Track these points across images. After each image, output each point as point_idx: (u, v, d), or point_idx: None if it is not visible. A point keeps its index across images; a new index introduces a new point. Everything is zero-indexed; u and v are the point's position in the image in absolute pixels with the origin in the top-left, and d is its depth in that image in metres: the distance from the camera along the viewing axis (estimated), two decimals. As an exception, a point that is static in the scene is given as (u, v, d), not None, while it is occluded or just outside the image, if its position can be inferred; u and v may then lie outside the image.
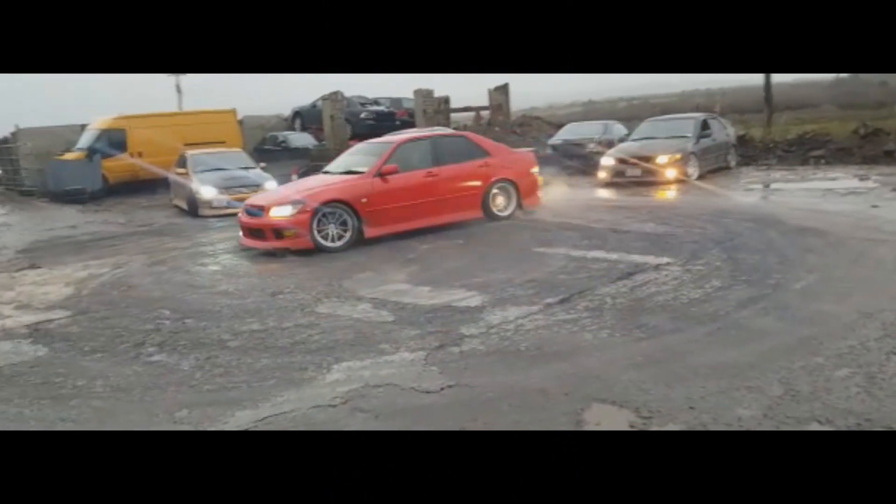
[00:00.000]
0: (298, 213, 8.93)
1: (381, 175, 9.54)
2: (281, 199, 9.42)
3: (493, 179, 10.36)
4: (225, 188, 13.90)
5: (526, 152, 11.68)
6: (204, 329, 5.78)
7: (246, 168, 15.08)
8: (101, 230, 13.47)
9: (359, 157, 10.57)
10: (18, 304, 7.17)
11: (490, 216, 10.28)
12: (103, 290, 7.61)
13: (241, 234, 9.77)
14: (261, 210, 9.36)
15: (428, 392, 4.15)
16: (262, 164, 15.92)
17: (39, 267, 9.36)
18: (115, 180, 19.99)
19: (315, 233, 8.90)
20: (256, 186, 13.72)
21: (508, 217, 10.42)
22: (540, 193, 11.18)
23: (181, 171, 15.49)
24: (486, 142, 11.24)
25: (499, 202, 10.46)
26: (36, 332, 6.02)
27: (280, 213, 9.07)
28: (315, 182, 10.03)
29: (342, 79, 30.04)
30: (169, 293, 7.30)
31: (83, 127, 22.36)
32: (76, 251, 10.79)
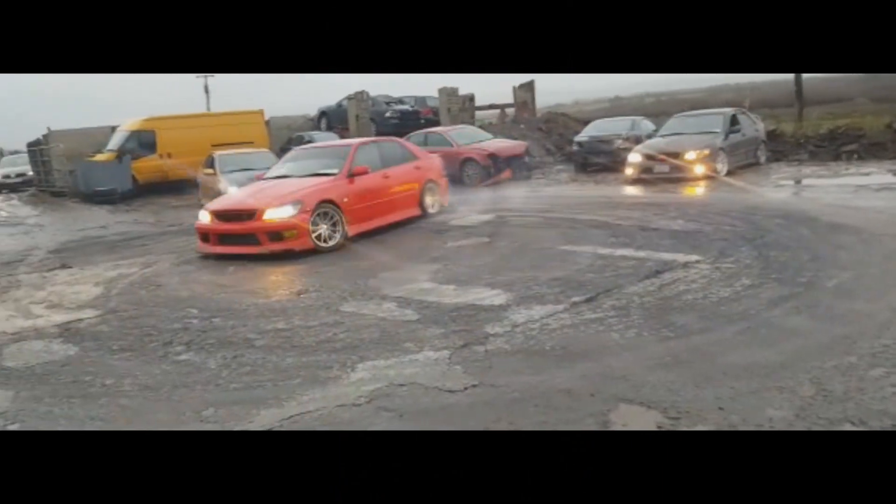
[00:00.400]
0: (300, 213, 8.94)
1: (352, 176, 9.88)
2: (275, 200, 9.21)
3: (424, 180, 11.30)
4: None
5: (436, 157, 12.68)
6: (231, 328, 5.81)
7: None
8: (130, 230, 13.65)
9: (309, 161, 10.81)
10: (50, 304, 7.28)
11: (424, 214, 11.15)
12: (132, 290, 7.69)
13: (201, 242, 9.64)
14: (248, 214, 9.16)
15: (452, 391, 4.13)
16: None
17: (70, 267, 9.50)
18: (145, 181, 20.25)
19: (311, 233, 8.97)
20: None
21: (436, 214, 11.35)
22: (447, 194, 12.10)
23: (209, 171, 15.64)
24: (413, 147, 12.26)
25: (429, 200, 11.35)
26: (66, 332, 6.09)
27: (279, 215, 8.96)
28: (291, 184, 9.87)
29: (367, 78, 30.19)
30: (196, 292, 7.36)
31: (113, 129, 22.70)
32: (106, 251, 10.94)
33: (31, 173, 25.36)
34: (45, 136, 22.90)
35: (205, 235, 9.59)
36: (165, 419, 4.10)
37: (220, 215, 9.49)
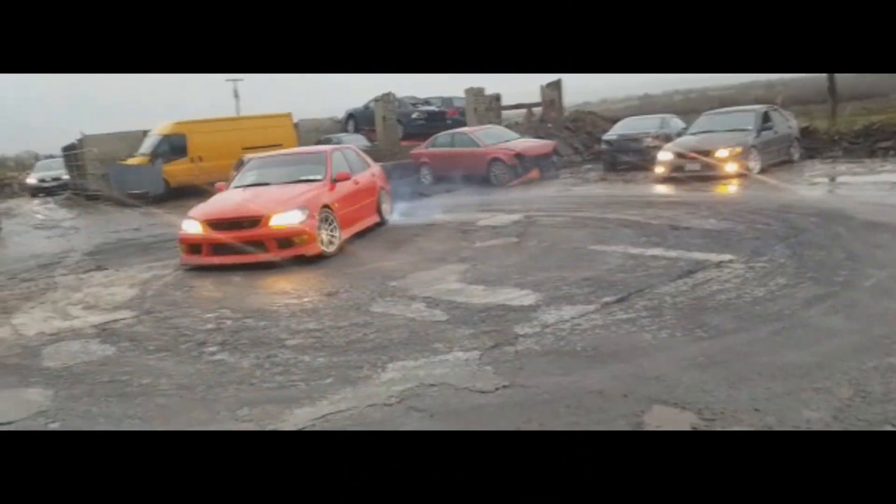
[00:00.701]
0: (308, 218, 8.78)
1: (335, 181, 9.83)
2: (281, 205, 8.92)
3: (379, 187, 11.41)
4: None
5: (380, 165, 12.75)
6: (263, 328, 5.87)
7: None
8: (163, 232, 13.80)
9: (282, 168, 10.58)
10: (86, 305, 7.40)
11: (382, 220, 11.24)
12: (166, 291, 7.79)
13: (189, 254, 9.14)
14: (252, 220, 8.81)
15: (482, 392, 4.13)
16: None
17: (105, 269, 9.65)
18: (176, 184, 20.49)
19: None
20: None
21: (389, 219, 11.53)
22: None
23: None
24: (366, 156, 12.14)
25: (385, 207, 11.50)
26: (103, 332, 6.19)
27: (288, 220, 8.72)
28: (277, 191, 9.52)
29: (394, 80, 30.26)
30: (229, 293, 7.44)
31: (145, 133, 23.00)
32: (140, 253, 11.09)
33: (66, 177, 25.80)
34: (79, 140, 23.26)
35: (194, 246, 9.10)
36: (201, 418, 4.15)
37: (216, 224, 8.96)
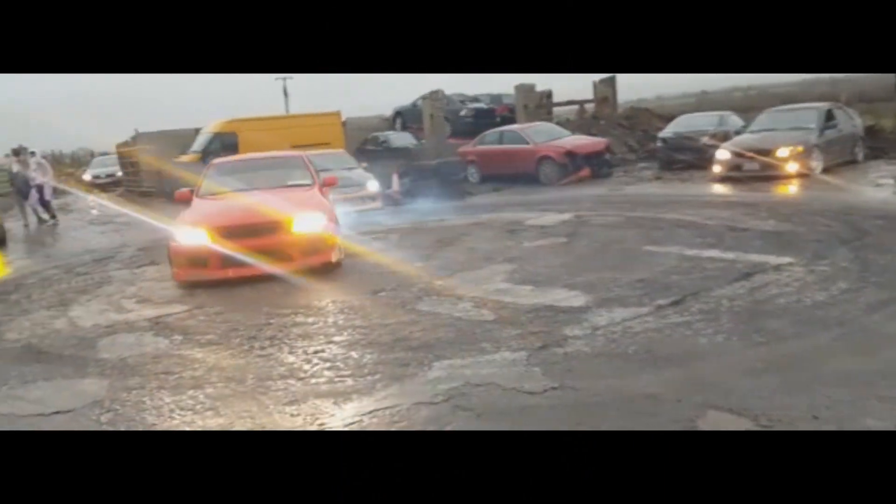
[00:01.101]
0: (328, 221, 8.15)
1: (323, 186, 9.28)
2: (298, 209, 8.11)
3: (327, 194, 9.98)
4: None
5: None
6: (311, 324, 5.89)
7: (349, 168, 15.35)
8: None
9: (260, 172, 9.71)
10: (140, 299, 7.55)
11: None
12: (217, 286, 7.88)
13: (189, 269, 7.91)
14: (271, 226, 7.93)
15: (531, 393, 4.06)
16: (364, 164, 16.18)
17: (158, 264, 9.82)
18: (228, 181, 20.81)
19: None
20: (358, 186, 13.90)
21: None
22: None
23: None
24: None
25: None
26: (156, 325, 6.30)
27: (312, 226, 7.96)
28: (272, 196, 8.52)
29: (443, 77, 30.29)
30: (277, 290, 7.48)
31: (197, 131, 23.45)
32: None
33: (119, 174, 26.48)
34: (132, 137, 23.84)
35: (198, 259, 7.86)
36: (250, 410, 4.18)
37: (227, 232, 7.81)
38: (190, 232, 7.98)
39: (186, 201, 9.18)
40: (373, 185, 13.95)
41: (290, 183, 9.28)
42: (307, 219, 7.99)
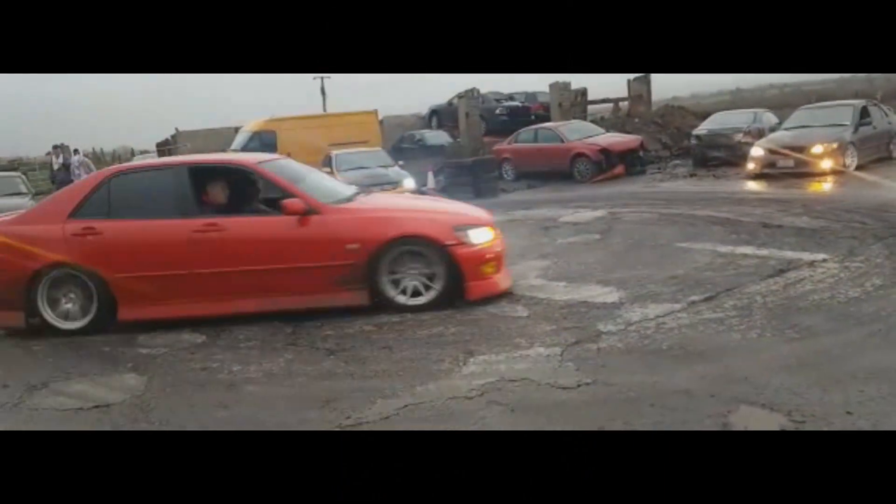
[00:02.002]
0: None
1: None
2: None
3: None
4: (365, 186, 14.29)
5: None
6: (347, 320, 5.97)
7: (385, 166, 15.49)
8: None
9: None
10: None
11: None
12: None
13: None
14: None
15: (565, 388, 4.11)
16: (401, 162, 16.31)
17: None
18: (266, 179, 21.06)
19: None
20: (394, 184, 14.05)
21: None
22: None
23: (326, 169, 16.09)
24: None
25: None
26: (194, 321, 6.41)
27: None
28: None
29: (478, 76, 30.31)
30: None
31: (237, 129, 23.77)
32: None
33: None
34: (173, 136, 24.25)
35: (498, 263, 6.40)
36: (288, 406, 4.28)
37: None
38: None
39: None
40: (409, 183, 14.16)
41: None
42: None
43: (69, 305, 6.21)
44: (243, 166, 6.67)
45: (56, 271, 6.13)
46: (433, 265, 6.02)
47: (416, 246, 6.02)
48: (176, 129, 24.10)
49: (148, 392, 4.73)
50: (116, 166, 8.05)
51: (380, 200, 7.19)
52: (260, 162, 6.66)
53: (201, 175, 6.44)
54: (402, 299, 6.03)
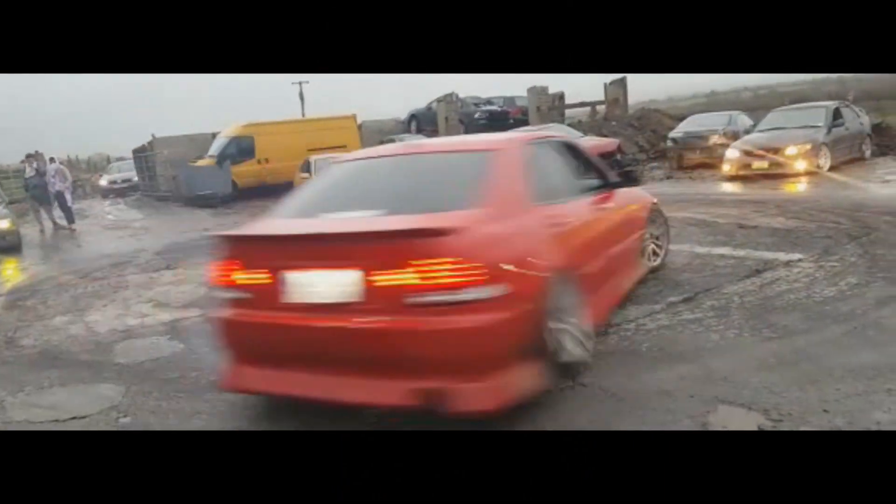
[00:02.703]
0: None
1: None
2: None
3: None
4: None
5: None
6: (326, 326, 5.94)
7: None
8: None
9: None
10: (156, 303, 7.62)
11: None
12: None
13: None
14: None
15: (546, 391, 4.10)
16: None
17: (175, 268, 9.91)
18: (244, 185, 20.95)
19: None
20: None
21: None
22: None
23: (305, 175, 16.04)
24: None
25: None
26: (173, 329, 6.36)
27: None
28: None
29: (457, 80, 30.40)
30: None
31: (214, 135, 23.60)
32: (209, 252, 11.34)
33: (136, 179, 26.66)
34: (149, 142, 24.02)
35: None
36: (267, 413, 4.24)
37: None
38: None
39: None
40: None
41: None
42: None
43: None
44: None
45: None
46: None
47: None
48: (152, 135, 23.85)
49: (124, 402, 4.67)
50: None
51: None
52: None
53: None
54: None
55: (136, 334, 6.34)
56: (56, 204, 16.20)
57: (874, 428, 3.30)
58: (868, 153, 15.20)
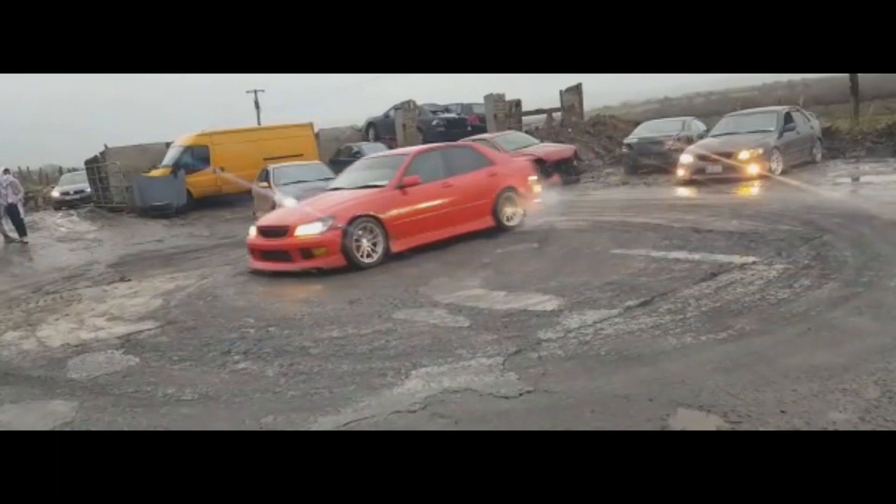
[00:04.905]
0: (329, 230, 8.57)
1: (402, 187, 9.33)
2: (306, 217, 8.94)
3: (500, 188, 10.34)
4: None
5: (522, 161, 11.90)
6: (286, 336, 5.90)
7: (326, 179, 15.32)
8: (186, 243, 13.96)
9: (365, 172, 10.37)
10: (110, 316, 7.48)
11: (500, 225, 10.24)
12: (190, 301, 7.86)
13: (250, 257, 9.47)
14: (282, 230, 8.99)
15: (507, 398, 4.11)
16: None
17: (129, 280, 9.76)
18: (199, 195, 20.66)
19: (351, 249, 8.53)
20: None
21: (517, 226, 10.39)
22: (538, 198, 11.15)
23: (264, 184, 15.87)
24: (490, 152, 11.45)
25: (508, 211, 10.43)
26: (127, 343, 6.25)
27: (309, 231, 8.68)
28: (335, 198, 9.52)
29: (414, 87, 30.43)
30: (252, 303, 7.48)
31: (168, 144, 23.24)
32: (163, 264, 11.20)
33: (88, 190, 26.10)
34: (101, 153, 23.55)
35: (252, 251, 9.43)
36: (226, 427, 4.17)
37: (262, 231, 9.38)
38: (252, 228, 9.86)
39: None
40: None
41: (369, 183, 9.75)
42: (306, 227, 8.84)
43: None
44: None
45: None
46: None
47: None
48: (105, 145, 23.40)
49: (78, 417, 4.56)
50: None
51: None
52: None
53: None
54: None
55: (89, 349, 6.21)
56: (7, 217, 15.79)
57: (830, 428, 3.37)
58: (819, 156, 15.59)
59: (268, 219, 10.05)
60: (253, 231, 9.62)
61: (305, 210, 9.30)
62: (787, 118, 14.71)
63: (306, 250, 8.68)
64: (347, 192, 9.73)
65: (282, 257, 8.88)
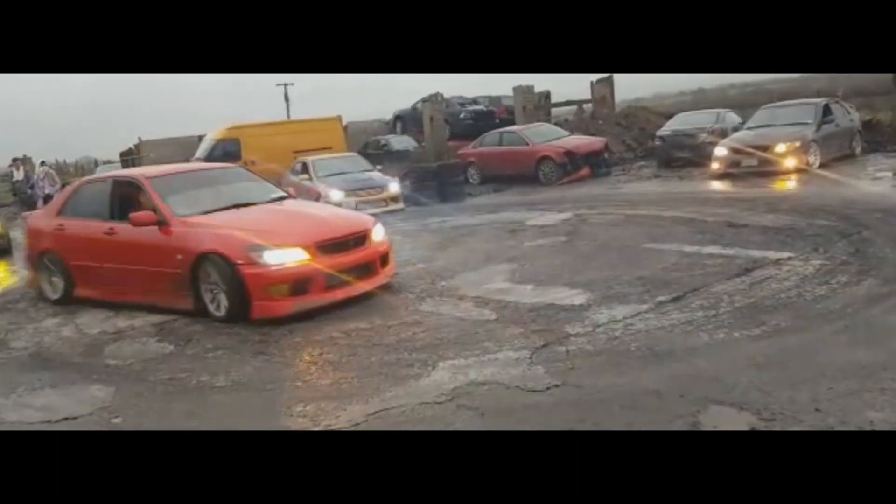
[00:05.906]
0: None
1: None
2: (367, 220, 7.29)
3: None
4: (352, 190, 14.05)
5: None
6: (316, 326, 5.91)
7: (366, 170, 15.34)
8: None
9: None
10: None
11: None
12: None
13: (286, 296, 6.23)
14: (358, 238, 6.81)
15: (534, 391, 4.09)
16: (379, 167, 16.18)
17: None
18: (230, 187, 20.80)
19: None
20: (381, 188, 14.05)
21: None
22: None
23: (304, 176, 15.81)
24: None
25: None
26: (161, 332, 6.32)
27: (381, 235, 7.12)
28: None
29: (442, 80, 30.42)
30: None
31: (200, 137, 23.47)
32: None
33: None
34: (136, 145, 23.89)
35: (297, 286, 6.28)
36: (258, 414, 4.21)
37: (325, 247, 6.48)
38: (281, 252, 6.25)
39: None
40: (394, 187, 14.15)
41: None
42: (379, 229, 7.17)
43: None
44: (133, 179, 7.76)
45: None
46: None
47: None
48: (139, 138, 23.72)
49: (115, 403, 4.64)
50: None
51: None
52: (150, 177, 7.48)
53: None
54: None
55: (125, 336, 6.30)
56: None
57: (867, 428, 3.29)
58: (858, 150, 15.22)
59: (324, 228, 6.82)
60: (297, 253, 6.36)
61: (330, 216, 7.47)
62: (826, 110, 14.38)
63: (385, 256, 7.12)
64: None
65: (361, 274, 6.74)
